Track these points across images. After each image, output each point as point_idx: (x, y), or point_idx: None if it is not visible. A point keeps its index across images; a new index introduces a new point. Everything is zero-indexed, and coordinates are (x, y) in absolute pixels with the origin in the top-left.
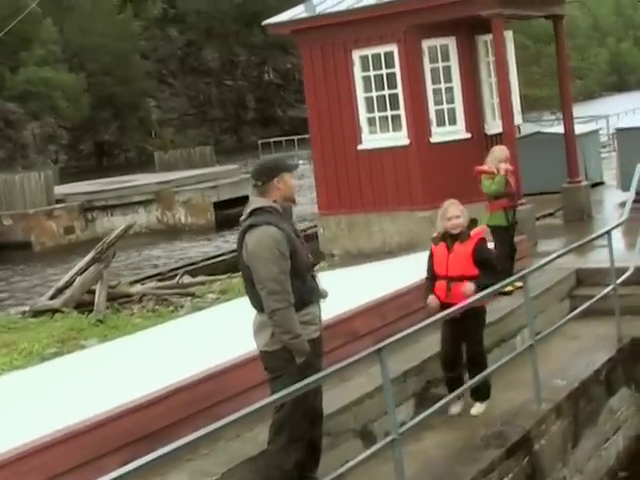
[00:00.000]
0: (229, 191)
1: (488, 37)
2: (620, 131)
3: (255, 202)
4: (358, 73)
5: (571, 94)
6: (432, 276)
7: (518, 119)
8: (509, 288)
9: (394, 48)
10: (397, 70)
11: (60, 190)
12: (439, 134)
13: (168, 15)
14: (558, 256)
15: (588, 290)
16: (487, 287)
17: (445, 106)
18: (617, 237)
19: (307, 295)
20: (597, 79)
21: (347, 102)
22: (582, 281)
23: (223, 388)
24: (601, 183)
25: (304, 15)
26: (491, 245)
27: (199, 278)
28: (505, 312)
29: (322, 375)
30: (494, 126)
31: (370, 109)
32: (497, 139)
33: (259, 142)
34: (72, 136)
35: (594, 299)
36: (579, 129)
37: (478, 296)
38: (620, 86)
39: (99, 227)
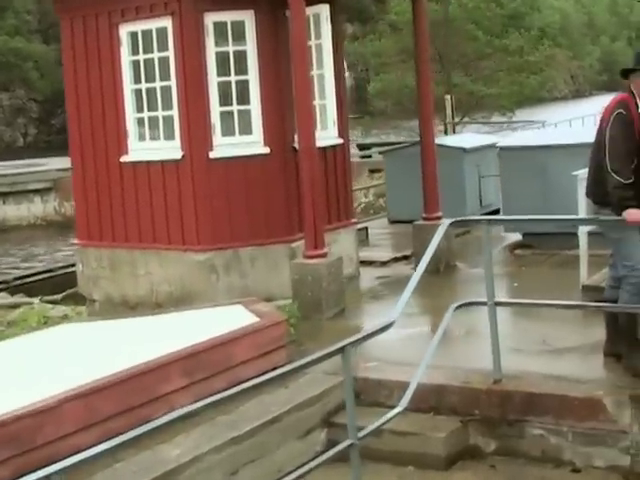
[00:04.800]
0: None
1: (311, 11)
2: (503, 150)
3: None
4: (126, 56)
5: (432, 96)
6: None
7: (332, 131)
8: None
9: (167, 23)
10: (171, 54)
11: None
12: (224, 146)
13: None
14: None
15: (365, 413)
16: None
17: (236, 107)
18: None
19: None
20: (588, 78)
21: (111, 96)
22: (358, 397)
23: None
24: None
25: None
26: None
27: (13, 299)
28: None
29: None
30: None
31: (140, 107)
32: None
33: None
34: (43, 109)
35: (338, 447)
36: (477, 141)
37: None
38: (612, 85)
39: None
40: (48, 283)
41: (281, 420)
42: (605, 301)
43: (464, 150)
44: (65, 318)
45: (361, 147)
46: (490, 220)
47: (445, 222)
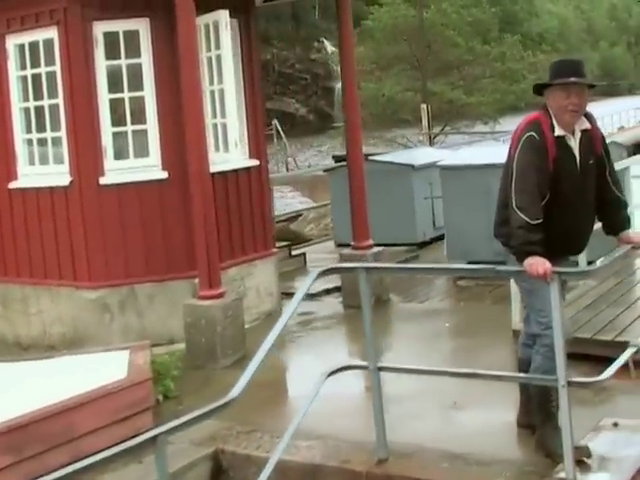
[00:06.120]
0: None
1: (210, 18)
2: (444, 170)
3: None
4: (13, 71)
5: (358, 109)
6: None
7: (234, 153)
8: None
9: (54, 34)
10: (58, 68)
11: None
12: (116, 171)
13: None
14: None
15: None
16: None
17: (129, 127)
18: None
19: None
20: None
21: None
22: (226, 473)
23: None
24: None
25: None
26: None
27: None
28: None
29: None
30: (219, 160)
31: (29, 128)
32: (222, 180)
33: None
34: None
35: None
36: (428, 157)
37: None
38: (611, 91)
39: None
40: None
41: None
42: (519, 361)
43: (413, 167)
44: None
45: (337, 159)
46: (368, 268)
47: (314, 271)
